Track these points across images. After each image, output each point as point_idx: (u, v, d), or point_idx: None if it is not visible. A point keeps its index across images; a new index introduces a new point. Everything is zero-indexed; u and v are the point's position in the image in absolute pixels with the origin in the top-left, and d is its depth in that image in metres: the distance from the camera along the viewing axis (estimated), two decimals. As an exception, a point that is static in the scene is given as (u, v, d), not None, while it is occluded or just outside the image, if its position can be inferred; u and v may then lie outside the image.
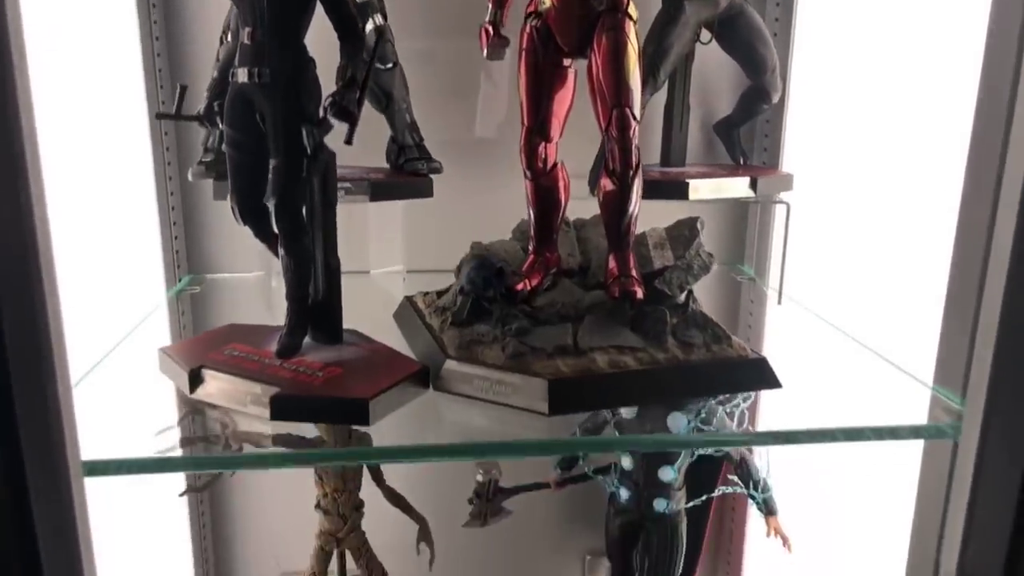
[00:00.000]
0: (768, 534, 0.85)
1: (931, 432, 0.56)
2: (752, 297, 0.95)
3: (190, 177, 0.78)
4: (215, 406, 0.59)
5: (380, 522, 0.90)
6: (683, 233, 0.70)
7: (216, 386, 0.59)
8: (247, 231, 0.79)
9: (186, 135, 0.87)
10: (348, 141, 0.56)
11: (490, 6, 0.67)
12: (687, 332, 0.63)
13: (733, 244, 1.01)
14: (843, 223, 0.85)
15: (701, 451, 0.85)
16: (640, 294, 0.62)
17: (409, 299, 0.77)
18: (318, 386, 0.57)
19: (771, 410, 0.86)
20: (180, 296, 0.87)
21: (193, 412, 0.60)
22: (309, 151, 0.56)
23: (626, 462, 0.88)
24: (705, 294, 0.85)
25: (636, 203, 0.62)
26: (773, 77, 0.85)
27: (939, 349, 0.58)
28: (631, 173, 0.60)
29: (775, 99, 0.86)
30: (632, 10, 0.61)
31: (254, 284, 0.90)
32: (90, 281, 0.72)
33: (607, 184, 0.62)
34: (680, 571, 0.89)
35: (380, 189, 0.78)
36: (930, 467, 0.59)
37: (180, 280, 0.90)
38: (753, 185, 0.83)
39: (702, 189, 0.81)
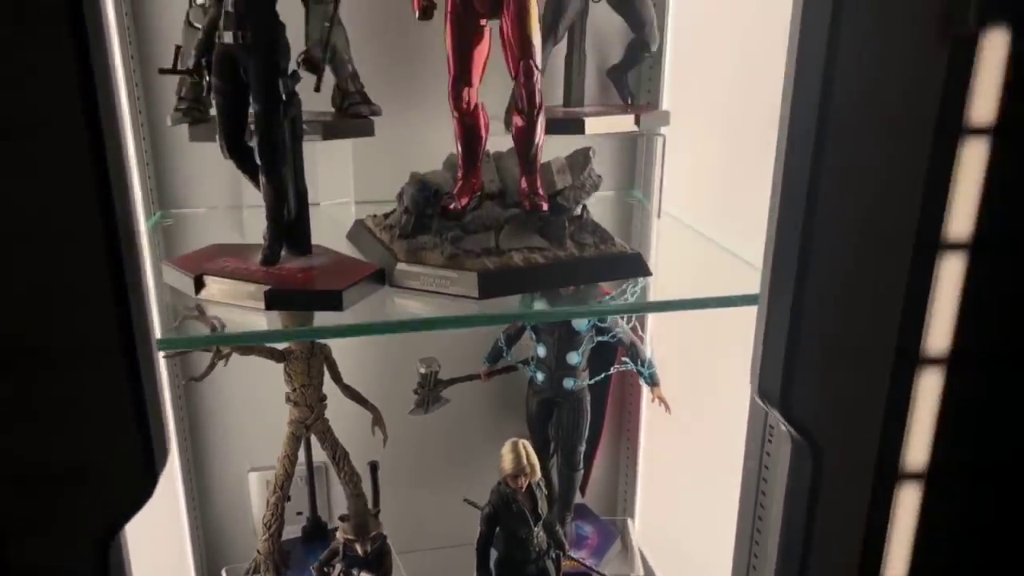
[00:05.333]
0: (652, 400, 1.07)
1: (744, 300, 0.77)
2: (640, 214, 1.15)
3: (169, 122, 0.91)
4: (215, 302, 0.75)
5: (340, 413, 1.08)
6: (579, 160, 0.88)
7: (217, 288, 0.75)
8: (211, 170, 0.94)
9: (153, 86, 1.00)
10: (317, 89, 0.71)
11: (420, -23, 0.82)
12: (581, 235, 0.82)
13: (626, 173, 1.20)
14: (709, 149, 1.05)
15: (599, 338, 1.06)
16: (546, 207, 0.81)
17: (360, 221, 0.93)
18: (300, 283, 0.74)
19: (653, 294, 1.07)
20: (155, 228, 1.01)
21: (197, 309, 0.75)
22: (284, 98, 0.72)
23: (541, 351, 1.08)
24: (604, 214, 1.04)
25: (541, 135, 0.80)
26: (652, 30, 1.03)
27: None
28: (536, 111, 0.78)
29: (654, 49, 1.04)
30: (533, -19, 0.78)
31: (219, 217, 1.04)
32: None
33: (518, 120, 0.80)
34: (587, 436, 1.11)
35: (330, 129, 0.93)
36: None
37: (154, 215, 1.03)
38: (637, 121, 1.02)
39: (596, 125, 0.99)
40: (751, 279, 0.81)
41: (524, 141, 0.80)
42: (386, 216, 0.91)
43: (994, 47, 0.51)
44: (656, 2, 1.06)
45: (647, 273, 0.82)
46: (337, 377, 1.08)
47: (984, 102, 0.51)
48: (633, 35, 1.05)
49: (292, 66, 0.72)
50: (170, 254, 0.99)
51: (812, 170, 0.65)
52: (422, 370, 1.09)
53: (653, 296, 0.86)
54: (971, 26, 0.51)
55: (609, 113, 1.03)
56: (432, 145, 0.93)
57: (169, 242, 1.01)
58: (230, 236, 0.98)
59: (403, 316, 0.76)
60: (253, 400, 1.18)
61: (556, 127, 0.95)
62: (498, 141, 0.90)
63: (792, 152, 0.70)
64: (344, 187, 1.08)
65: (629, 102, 1.11)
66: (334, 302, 0.72)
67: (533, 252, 0.79)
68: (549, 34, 0.96)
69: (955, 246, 0.57)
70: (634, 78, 1.12)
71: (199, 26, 0.87)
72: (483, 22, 0.80)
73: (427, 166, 0.93)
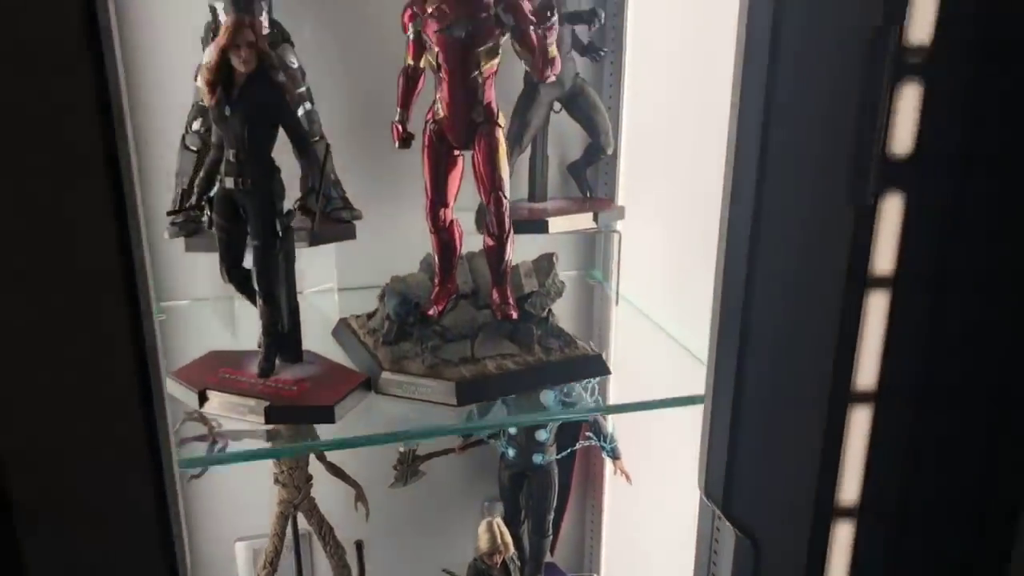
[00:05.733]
0: (615, 472, 1.17)
1: (691, 400, 0.87)
2: (600, 296, 1.25)
3: (166, 236, 0.98)
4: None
5: (325, 490, 1.15)
6: (543, 265, 0.98)
7: (219, 401, 0.82)
8: (199, 262, 1.03)
9: (143, 183, 1.07)
10: (311, 229, 0.80)
11: (399, 109, 0.91)
12: (548, 340, 0.91)
13: (587, 254, 1.30)
14: (660, 240, 1.15)
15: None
16: (515, 316, 0.90)
17: (344, 320, 1.02)
18: (295, 397, 0.82)
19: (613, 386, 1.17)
20: (149, 324, 1.07)
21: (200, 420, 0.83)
22: (280, 234, 0.80)
23: (512, 429, 1.17)
24: (567, 294, 1.14)
25: (509, 253, 0.89)
26: (607, 137, 1.13)
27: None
28: (505, 235, 0.88)
29: (609, 152, 1.15)
30: (501, 120, 0.87)
31: (209, 309, 1.12)
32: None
33: (488, 240, 0.89)
34: (555, 506, 1.19)
35: (315, 237, 1.01)
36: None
37: (147, 310, 1.10)
38: (595, 218, 1.12)
39: (558, 224, 1.09)
40: (700, 376, 0.91)
41: (495, 257, 0.90)
42: (369, 317, 1.00)
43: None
44: (611, 106, 1.17)
45: (607, 372, 0.92)
46: (322, 457, 1.15)
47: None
48: (590, 140, 1.15)
49: (287, 206, 0.80)
50: (167, 354, 1.06)
51: (746, 286, 0.75)
52: (401, 447, 1.17)
53: (612, 389, 0.96)
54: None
55: (569, 211, 1.13)
56: (409, 241, 1.02)
57: (164, 340, 1.08)
58: (222, 331, 1.05)
59: (389, 427, 0.84)
60: (239, 474, 1.24)
61: (522, 227, 1.04)
62: (470, 240, 0.99)
63: (730, 261, 0.79)
64: (327, 276, 1.16)
65: (587, 195, 1.21)
66: (327, 416, 0.80)
67: (505, 358, 0.88)
68: (515, 144, 1.06)
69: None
70: (592, 172, 1.22)
71: (194, 149, 0.95)
72: (456, 152, 0.89)
73: (405, 259, 1.02)
